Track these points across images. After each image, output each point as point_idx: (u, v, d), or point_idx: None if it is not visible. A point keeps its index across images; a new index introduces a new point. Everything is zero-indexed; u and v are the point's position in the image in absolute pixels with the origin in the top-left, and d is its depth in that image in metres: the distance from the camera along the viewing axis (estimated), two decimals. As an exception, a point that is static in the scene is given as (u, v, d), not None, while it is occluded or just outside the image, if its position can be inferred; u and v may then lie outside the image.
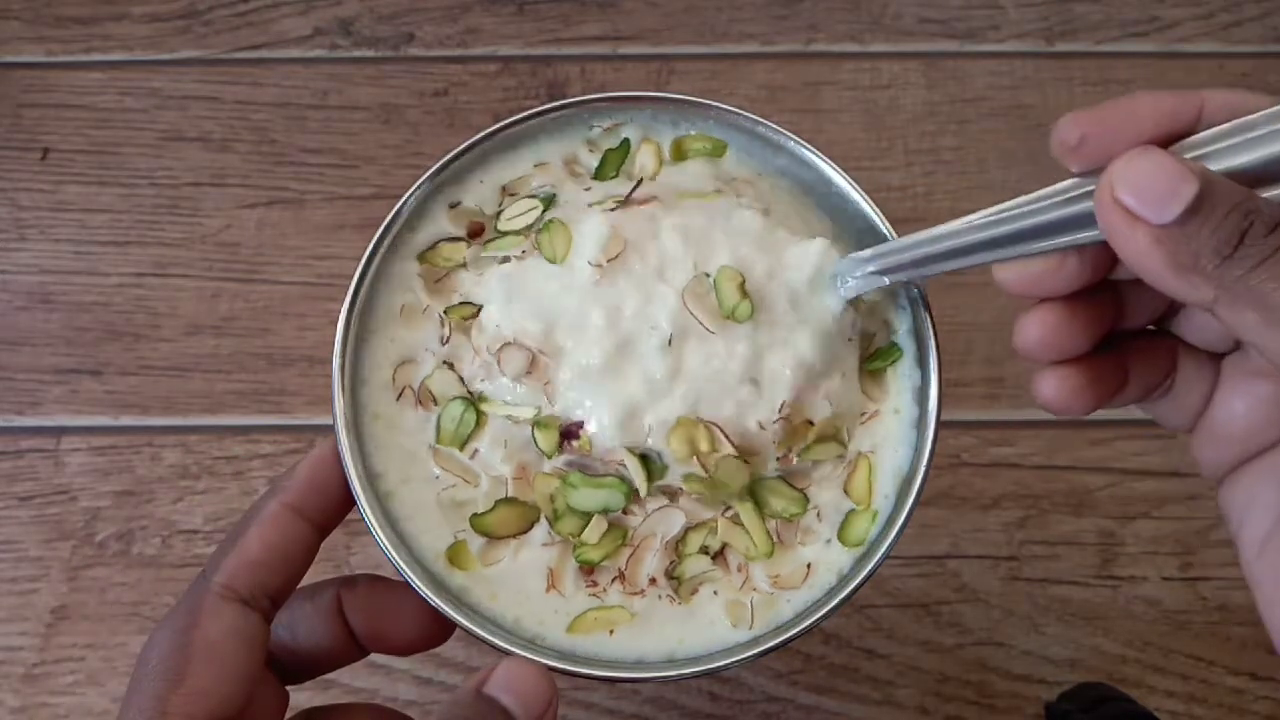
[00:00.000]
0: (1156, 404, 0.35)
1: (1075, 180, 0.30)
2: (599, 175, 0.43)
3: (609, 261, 0.38)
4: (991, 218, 0.32)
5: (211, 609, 0.32)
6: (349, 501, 0.37)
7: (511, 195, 0.43)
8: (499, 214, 0.42)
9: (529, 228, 0.42)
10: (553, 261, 0.39)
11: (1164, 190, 0.26)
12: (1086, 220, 0.29)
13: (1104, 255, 0.30)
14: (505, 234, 0.42)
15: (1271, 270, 0.26)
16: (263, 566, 0.33)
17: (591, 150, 0.44)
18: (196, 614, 0.32)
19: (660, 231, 0.39)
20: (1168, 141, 0.28)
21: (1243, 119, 0.27)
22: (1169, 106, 0.28)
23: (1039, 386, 0.33)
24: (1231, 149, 0.27)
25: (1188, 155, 0.27)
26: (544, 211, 0.42)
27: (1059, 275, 0.31)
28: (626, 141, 0.43)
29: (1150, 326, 0.35)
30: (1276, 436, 0.32)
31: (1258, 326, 0.27)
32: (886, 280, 0.36)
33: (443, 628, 0.37)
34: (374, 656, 0.56)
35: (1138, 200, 0.26)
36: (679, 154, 0.43)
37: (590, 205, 0.41)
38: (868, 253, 0.37)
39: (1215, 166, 0.27)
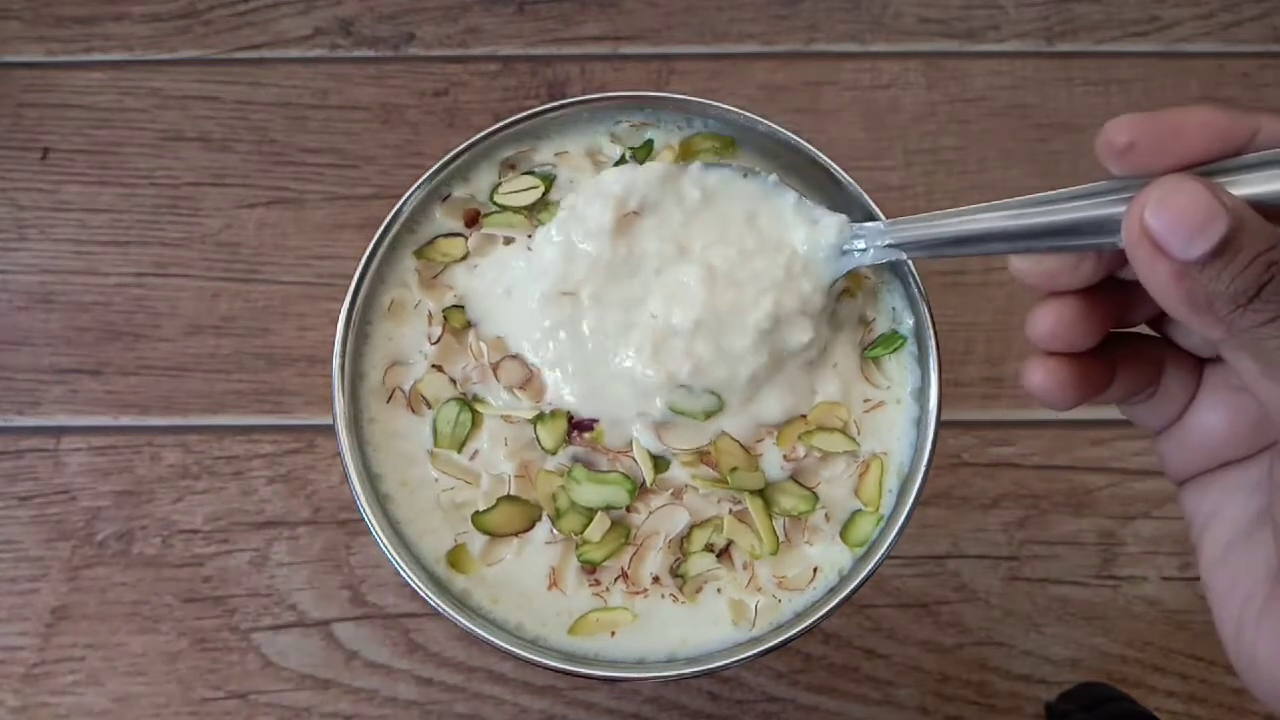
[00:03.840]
0: (1137, 405, 0.35)
1: (1109, 182, 0.29)
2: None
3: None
4: (1019, 209, 0.31)
5: None
6: None
7: (511, 168, 0.43)
8: (496, 187, 0.43)
9: (529, 207, 0.42)
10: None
11: (1193, 227, 0.26)
12: (1114, 225, 0.29)
13: (1119, 257, 0.30)
14: (505, 209, 0.42)
15: None
16: None
17: (614, 141, 0.44)
18: None
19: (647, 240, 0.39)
20: (1220, 159, 0.28)
21: None
22: (1223, 127, 0.28)
23: (1029, 374, 0.33)
24: (1272, 177, 0.27)
25: (1229, 177, 0.27)
26: (545, 193, 0.42)
27: (1076, 273, 0.31)
28: (650, 142, 0.43)
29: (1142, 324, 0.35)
30: (1247, 450, 0.33)
31: (1256, 376, 0.28)
32: (904, 255, 0.36)
33: None
34: (374, 657, 0.56)
35: (1166, 232, 0.26)
36: (687, 153, 0.43)
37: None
38: (886, 224, 0.37)
39: (1248, 191, 0.27)
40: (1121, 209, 0.28)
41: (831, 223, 0.38)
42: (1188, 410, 0.34)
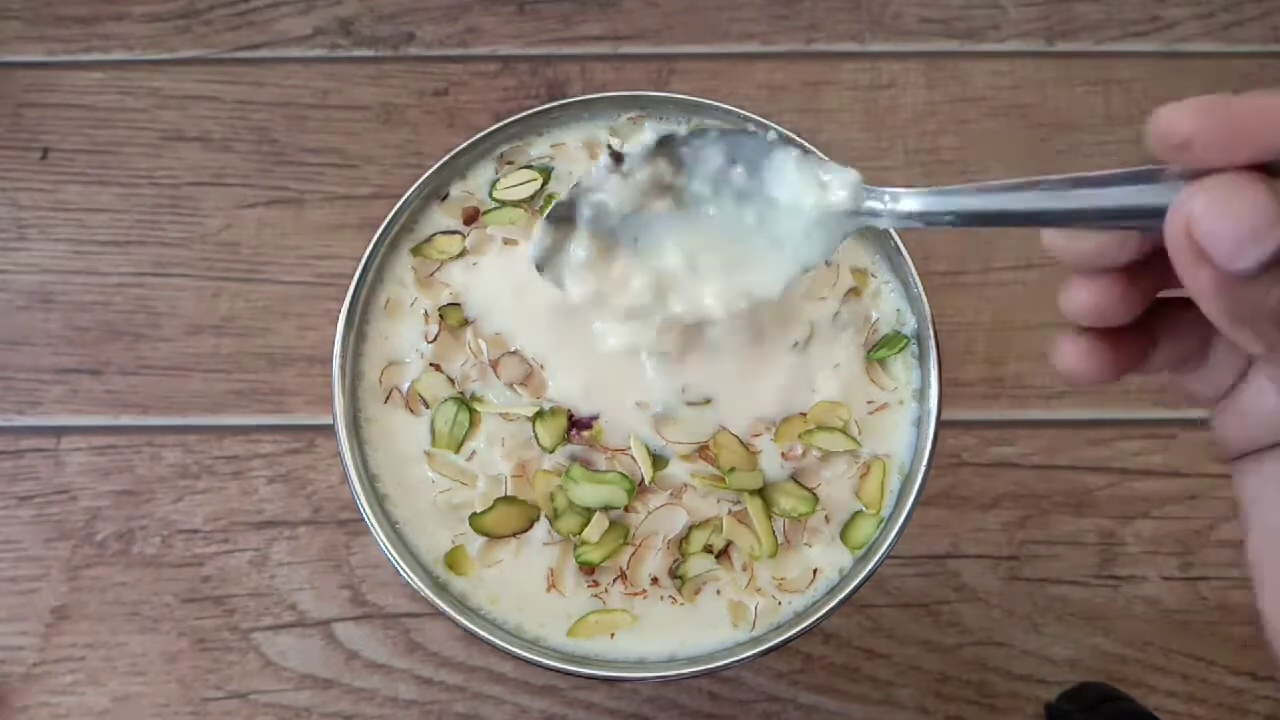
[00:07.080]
0: (1187, 375, 0.32)
1: (1157, 167, 0.26)
2: None
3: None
4: (1059, 190, 0.28)
5: None
6: None
7: (509, 163, 0.43)
8: (495, 183, 0.43)
9: (529, 199, 0.42)
10: None
11: (1244, 235, 0.23)
12: (1162, 213, 0.25)
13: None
14: (504, 204, 0.42)
15: None
16: None
17: (612, 134, 0.44)
18: None
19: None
20: None
21: None
22: None
23: (1061, 353, 0.30)
24: None
25: None
26: (543, 185, 0.42)
27: (1120, 251, 0.28)
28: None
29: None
30: None
31: None
32: (922, 224, 0.32)
33: None
34: (374, 657, 0.56)
35: (1212, 240, 0.23)
36: None
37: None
38: (907, 190, 0.33)
39: None
40: (1171, 199, 0.25)
41: (843, 182, 0.34)
42: (1242, 381, 0.31)
